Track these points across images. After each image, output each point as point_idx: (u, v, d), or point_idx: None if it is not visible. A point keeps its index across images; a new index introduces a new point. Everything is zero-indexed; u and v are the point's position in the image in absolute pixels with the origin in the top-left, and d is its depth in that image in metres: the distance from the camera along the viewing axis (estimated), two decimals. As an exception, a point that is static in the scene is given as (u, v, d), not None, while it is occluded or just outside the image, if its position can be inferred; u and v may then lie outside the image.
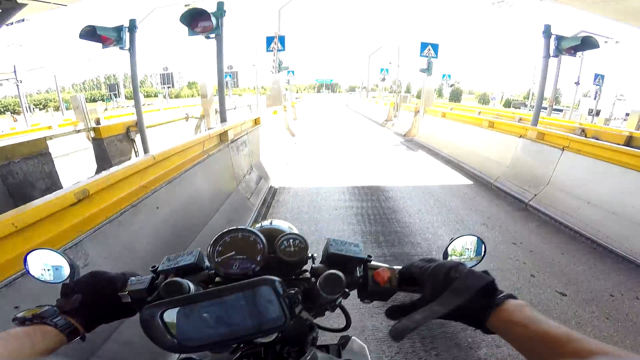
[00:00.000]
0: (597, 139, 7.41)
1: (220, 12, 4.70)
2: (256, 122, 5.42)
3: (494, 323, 0.49)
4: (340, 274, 0.61)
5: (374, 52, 23.46)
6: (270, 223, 0.86)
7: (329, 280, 0.61)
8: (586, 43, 4.97)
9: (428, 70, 9.60)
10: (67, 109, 19.03)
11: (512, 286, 2.53)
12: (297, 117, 12.36)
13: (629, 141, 7.15)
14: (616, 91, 17.84)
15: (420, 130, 9.34)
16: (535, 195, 4.30)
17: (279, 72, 9.57)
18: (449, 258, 0.67)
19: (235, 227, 0.74)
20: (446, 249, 0.67)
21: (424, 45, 9.48)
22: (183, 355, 0.79)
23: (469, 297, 0.49)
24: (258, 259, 0.69)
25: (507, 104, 54.12)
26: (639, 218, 3.06)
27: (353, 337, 0.91)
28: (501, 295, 0.51)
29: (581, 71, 15.16)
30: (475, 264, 0.66)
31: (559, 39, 5.24)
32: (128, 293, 0.62)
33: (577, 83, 15.46)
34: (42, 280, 0.62)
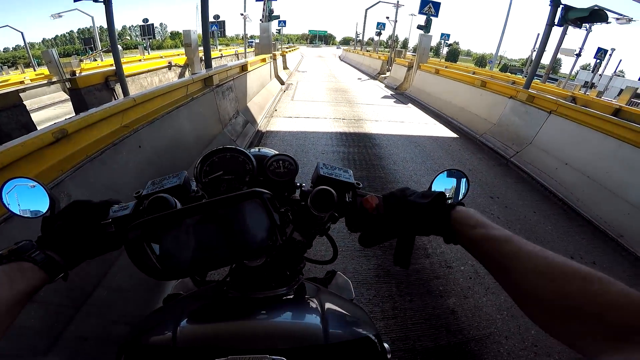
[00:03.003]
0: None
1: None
2: (243, 68, 5.29)
3: (452, 230, 0.53)
4: (331, 189, 0.59)
5: (372, 5, 22.06)
6: (259, 150, 0.82)
7: (320, 196, 0.59)
8: (594, 15, 4.84)
9: (426, 27, 9.37)
10: (38, 64, 17.72)
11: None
12: (287, 66, 11.90)
13: (616, 113, 7.22)
14: (616, 67, 17.54)
15: (412, 85, 9.27)
16: (517, 152, 4.44)
17: (269, 21, 9.02)
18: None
19: (223, 147, 0.70)
20: (431, 183, 0.64)
21: (424, 2, 9.17)
22: (170, 292, 0.80)
23: (423, 208, 0.54)
24: (246, 179, 0.66)
25: (504, 69, 52.99)
26: (609, 184, 3.19)
27: (338, 272, 0.94)
28: (451, 203, 0.55)
29: (585, 43, 14.80)
30: (460, 199, 0.63)
31: (567, 8, 5.07)
32: (112, 221, 0.57)
33: (578, 55, 15.13)
34: (20, 215, 0.56)
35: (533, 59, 6.57)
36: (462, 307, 1.98)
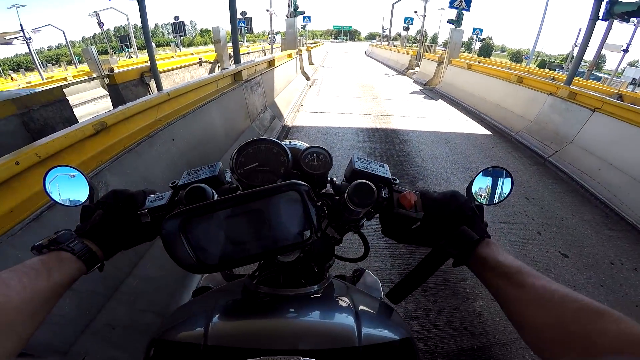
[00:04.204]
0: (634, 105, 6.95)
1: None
2: (270, 64, 5.35)
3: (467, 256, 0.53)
4: (370, 183, 0.56)
5: (398, 0, 21.51)
6: (290, 142, 0.80)
7: (360, 190, 0.56)
8: None
9: (457, 21, 9.04)
10: (79, 62, 18.86)
11: (517, 241, 2.53)
12: (312, 61, 11.92)
13: None
14: None
15: (443, 80, 9.00)
16: (556, 151, 4.19)
17: (294, 16, 9.07)
18: (474, 193, 0.60)
19: (258, 138, 0.69)
20: (471, 183, 0.60)
21: None
22: (200, 285, 0.80)
23: (459, 250, 0.52)
24: (281, 171, 0.65)
25: (542, 65, 49.77)
26: None
27: (367, 271, 0.90)
28: (480, 237, 0.53)
29: (632, 39, 13.69)
30: (499, 201, 0.60)
31: (612, 2, 4.67)
32: (148, 211, 0.58)
33: (625, 50, 14.01)
34: (61, 203, 0.57)
35: (574, 55, 6.15)
36: (489, 310, 1.90)
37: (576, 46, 16.52)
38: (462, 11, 8.90)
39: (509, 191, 0.60)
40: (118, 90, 5.86)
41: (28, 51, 14.94)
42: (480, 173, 0.61)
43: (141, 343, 0.50)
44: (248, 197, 0.47)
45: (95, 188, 0.58)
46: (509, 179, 0.60)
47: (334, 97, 7.35)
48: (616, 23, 6.26)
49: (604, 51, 12.61)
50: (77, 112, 5.98)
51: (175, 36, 22.24)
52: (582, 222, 2.91)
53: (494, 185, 0.61)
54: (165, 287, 1.66)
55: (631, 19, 4.98)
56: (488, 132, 5.39)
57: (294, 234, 0.48)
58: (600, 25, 5.73)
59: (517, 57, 67.62)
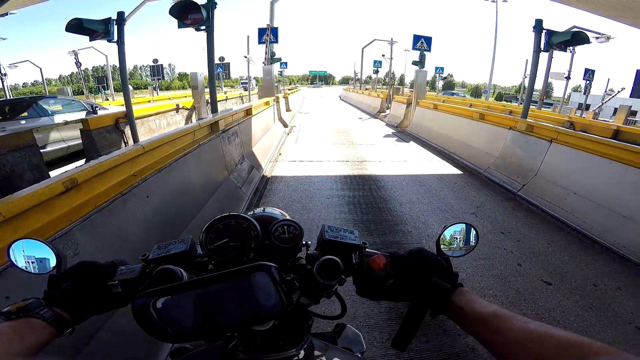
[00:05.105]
0: (585, 132, 7.65)
1: (211, 4, 4.74)
2: (248, 112, 5.41)
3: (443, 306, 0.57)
4: (337, 259, 0.61)
5: (367, 44, 23.33)
6: (263, 210, 0.83)
7: (326, 266, 0.60)
8: (576, 38, 5.17)
9: (420, 63, 9.73)
10: None
11: (499, 275, 2.57)
12: (289, 108, 12.36)
13: (616, 135, 7.32)
14: (606, 86, 18.11)
15: (413, 122, 9.46)
16: (524, 185, 4.39)
17: (271, 63, 9.49)
18: (442, 246, 0.65)
19: (228, 214, 0.71)
20: (438, 238, 0.66)
21: (416, 38, 9.61)
22: (177, 345, 0.77)
23: (434, 300, 0.57)
24: (252, 245, 0.67)
25: (499, 97, 54.64)
26: (621, 210, 3.14)
27: (348, 325, 0.91)
28: (451, 287, 0.58)
29: (572, 66, 15.46)
30: (466, 253, 0.67)
31: (550, 33, 5.39)
32: (118, 282, 0.60)
33: (568, 77, 15.75)
34: (28, 272, 0.59)
35: (525, 85, 6.84)
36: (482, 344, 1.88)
37: (526, 77, 18.27)
38: (424, 52, 9.69)
39: (475, 243, 0.67)
40: (91, 137, 5.70)
41: (1, 87, 14.57)
42: (447, 227, 0.67)
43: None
44: (215, 280, 0.49)
45: (63, 256, 0.59)
46: (474, 231, 0.67)
47: (312, 144, 7.56)
48: (556, 53, 7.12)
49: (549, 79, 14.10)
50: (47, 156, 5.67)
51: (154, 79, 22.50)
52: (558, 249, 3.03)
53: (463, 238, 0.68)
54: (140, 341, 1.56)
55: (567, 47, 5.71)
56: (459, 172, 5.61)
57: (266, 307, 0.49)
58: (544, 56, 6.50)
59: (476, 91, 73.68)
